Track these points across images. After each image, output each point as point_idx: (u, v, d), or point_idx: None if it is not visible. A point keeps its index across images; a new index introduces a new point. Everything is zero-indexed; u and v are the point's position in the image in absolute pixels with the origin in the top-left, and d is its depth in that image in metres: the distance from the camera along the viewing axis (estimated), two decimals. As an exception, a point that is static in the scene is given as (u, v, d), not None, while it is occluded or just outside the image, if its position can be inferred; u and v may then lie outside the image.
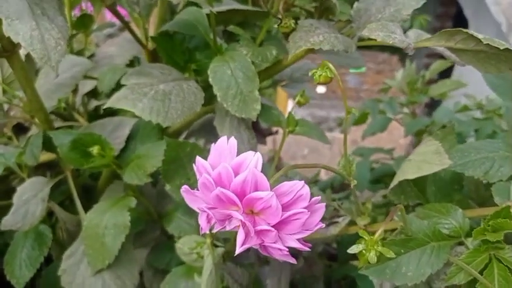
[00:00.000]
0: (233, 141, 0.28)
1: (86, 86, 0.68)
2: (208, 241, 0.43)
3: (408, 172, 0.40)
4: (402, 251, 0.36)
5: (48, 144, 0.56)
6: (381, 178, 0.96)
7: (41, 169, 0.66)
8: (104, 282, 0.49)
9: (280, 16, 0.40)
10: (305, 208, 0.27)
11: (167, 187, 0.47)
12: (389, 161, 0.98)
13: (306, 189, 0.27)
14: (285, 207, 0.27)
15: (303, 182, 0.27)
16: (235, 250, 0.51)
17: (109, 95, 0.67)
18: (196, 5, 0.51)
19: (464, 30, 0.32)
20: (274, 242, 0.27)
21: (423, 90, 0.85)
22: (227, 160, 0.28)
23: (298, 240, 0.27)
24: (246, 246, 0.27)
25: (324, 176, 1.09)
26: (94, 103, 0.70)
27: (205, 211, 0.27)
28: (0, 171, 0.59)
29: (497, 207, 0.37)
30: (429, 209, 0.40)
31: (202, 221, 0.29)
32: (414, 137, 0.90)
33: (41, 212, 0.52)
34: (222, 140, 0.29)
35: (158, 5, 0.51)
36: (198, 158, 0.28)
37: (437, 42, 0.35)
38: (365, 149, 0.95)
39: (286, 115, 0.54)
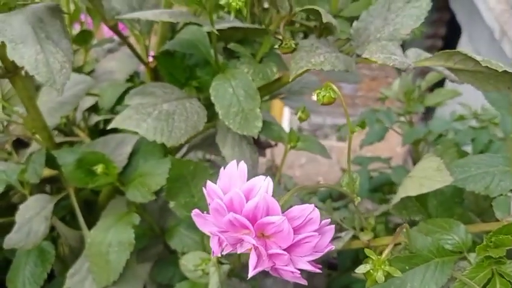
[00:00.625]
0: (243, 165, 0.29)
1: (87, 101, 0.68)
2: (214, 259, 0.43)
3: (410, 189, 0.41)
4: (406, 267, 0.37)
5: (50, 162, 0.56)
6: (379, 187, 0.97)
7: (41, 184, 0.66)
8: (109, 300, 0.49)
9: (280, 37, 0.41)
10: (315, 231, 0.27)
11: (172, 204, 0.47)
12: (386, 170, 0.99)
13: (316, 213, 0.27)
14: (295, 231, 0.27)
15: (313, 205, 0.27)
16: (239, 266, 0.51)
17: (110, 110, 0.68)
18: (196, 23, 0.51)
19: (463, 51, 0.33)
20: (286, 265, 0.27)
21: (419, 100, 0.86)
22: (237, 185, 0.28)
23: (309, 262, 0.28)
24: (259, 269, 0.27)
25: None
26: (94, 118, 0.70)
27: (217, 235, 0.28)
28: (2, 189, 0.59)
29: (499, 223, 0.37)
30: (432, 224, 0.41)
31: (213, 244, 0.29)
32: (412, 145, 0.91)
33: (45, 230, 0.52)
34: (232, 164, 0.29)
35: (160, 24, 0.51)
36: (209, 183, 0.29)
37: (437, 62, 0.35)
38: (363, 158, 0.96)
39: (282, 123, 0.55)
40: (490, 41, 1.51)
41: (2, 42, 0.36)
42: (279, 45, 0.41)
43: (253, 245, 0.27)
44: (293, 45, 0.40)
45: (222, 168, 0.30)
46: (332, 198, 0.97)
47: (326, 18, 0.36)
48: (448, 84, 1.65)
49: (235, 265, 0.48)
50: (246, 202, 0.27)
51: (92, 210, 0.64)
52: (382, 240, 0.46)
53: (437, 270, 0.37)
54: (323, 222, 0.28)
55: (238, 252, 0.29)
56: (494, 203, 0.40)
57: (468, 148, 0.79)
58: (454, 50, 0.34)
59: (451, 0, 1.88)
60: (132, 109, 0.41)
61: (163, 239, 0.59)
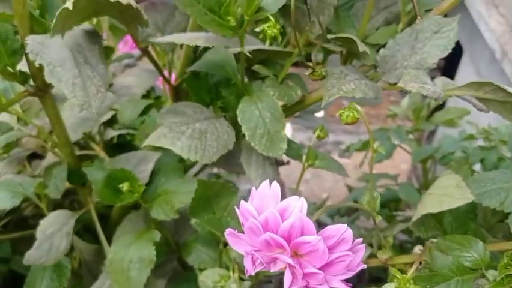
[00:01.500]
0: (276, 186, 0.30)
1: (104, 116, 0.69)
2: (236, 275, 0.44)
3: (430, 206, 0.42)
4: (428, 286, 0.38)
5: (70, 178, 0.57)
6: (386, 204, 0.98)
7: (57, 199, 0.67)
8: (129, 316, 0.50)
9: (311, 65, 0.42)
10: (348, 250, 0.28)
11: (193, 221, 0.48)
12: (393, 187, 1.00)
13: (349, 233, 0.28)
14: (329, 250, 0.28)
15: (345, 225, 0.28)
16: (256, 283, 0.52)
17: (128, 126, 0.69)
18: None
19: (494, 82, 0.35)
20: (320, 284, 0.28)
21: (428, 118, 0.87)
22: (270, 205, 0.29)
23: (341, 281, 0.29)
24: (294, 288, 0.28)
25: (328, 201, 1.11)
26: (110, 133, 0.71)
27: (252, 254, 0.29)
28: (19, 202, 0.60)
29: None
30: (450, 241, 0.41)
31: (247, 263, 0.30)
32: (420, 163, 0.92)
33: (66, 246, 0.53)
34: (265, 185, 0.30)
35: (185, 44, 0.53)
36: (243, 203, 0.30)
37: (467, 92, 0.37)
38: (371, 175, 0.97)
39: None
40: (490, 62, 1.54)
41: (40, 64, 0.37)
42: (309, 73, 0.42)
43: (289, 264, 0.27)
44: (323, 73, 0.41)
45: (254, 188, 0.31)
46: (339, 214, 0.98)
47: (362, 47, 0.38)
48: (449, 104, 1.67)
49: (253, 283, 0.49)
50: (281, 222, 0.28)
51: (105, 224, 0.65)
52: (400, 258, 0.47)
53: (457, 289, 0.38)
54: (355, 241, 0.29)
55: (272, 271, 0.29)
56: (510, 219, 0.41)
57: (476, 167, 0.81)
58: (485, 81, 0.35)
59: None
60: (166, 127, 0.42)
61: (178, 255, 0.60)
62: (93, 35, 0.39)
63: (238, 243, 0.31)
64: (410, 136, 0.93)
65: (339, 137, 1.87)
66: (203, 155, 0.42)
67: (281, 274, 0.55)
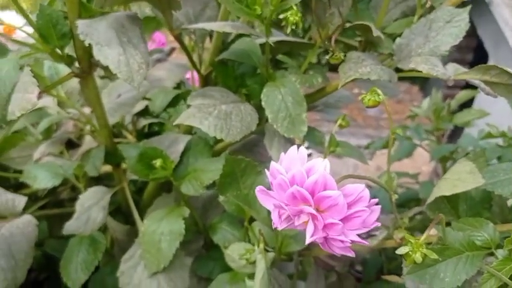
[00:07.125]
0: (303, 150, 0.33)
1: (137, 106, 0.74)
2: (262, 246, 0.47)
3: (444, 189, 0.44)
4: (439, 259, 0.40)
5: (108, 158, 0.61)
6: (405, 203, 0.99)
7: (92, 181, 0.72)
8: (159, 284, 0.53)
9: (331, 48, 0.45)
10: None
11: (221, 198, 0.52)
12: (413, 186, 1.01)
13: (367, 192, 0.31)
14: (348, 206, 0.31)
15: (363, 185, 0.31)
16: (279, 260, 0.55)
17: (159, 115, 0.73)
18: (247, 35, 0.57)
19: (499, 66, 0.37)
20: (338, 235, 0.31)
21: (448, 118, 0.89)
22: (297, 166, 0.33)
23: (357, 235, 0.32)
24: (314, 237, 0.31)
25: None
26: (142, 122, 0.76)
27: (281, 207, 0.32)
28: (59, 182, 0.65)
29: (526, 221, 0.40)
30: (463, 223, 0.44)
31: (274, 217, 0.33)
32: (440, 163, 0.93)
33: (102, 218, 0.57)
34: (293, 149, 0.33)
35: (214, 36, 0.57)
36: (273, 163, 0.33)
37: (474, 76, 0.40)
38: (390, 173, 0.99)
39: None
40: (516, 68, 1.54)
41: (89, 44, 0.42)
42: (329, 56, 0.46)
43: (312, 214, 0.31)
44: (342, 57, 0.45)
45: (282, 153, 0.34)
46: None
47: (376, 33, 0.41)
48: (475, 107, 1.67)
49: (276, 257, 0.52)
50: (307, 178, 0.31)
51: (136, 208, 0.69)
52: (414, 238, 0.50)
53: (468, 263, 0.40)
54: (372, 201, 0.32)
55: (296, 224, 0.32)
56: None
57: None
58: (490, 65, 0.38)
59: (479, 28, 1.91)
60: (195, 108, 0.46)
61: (204, 235, 0.63)
62: (135, 18, 0.44)
63: (267, 200, 0.34)
64: (431, 137, 0.95)
65: (361, 141, 1.89)
66: (228, 133, 0.46)
67: (301, 255, 0.58)
